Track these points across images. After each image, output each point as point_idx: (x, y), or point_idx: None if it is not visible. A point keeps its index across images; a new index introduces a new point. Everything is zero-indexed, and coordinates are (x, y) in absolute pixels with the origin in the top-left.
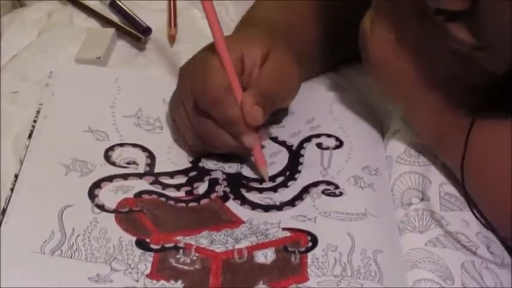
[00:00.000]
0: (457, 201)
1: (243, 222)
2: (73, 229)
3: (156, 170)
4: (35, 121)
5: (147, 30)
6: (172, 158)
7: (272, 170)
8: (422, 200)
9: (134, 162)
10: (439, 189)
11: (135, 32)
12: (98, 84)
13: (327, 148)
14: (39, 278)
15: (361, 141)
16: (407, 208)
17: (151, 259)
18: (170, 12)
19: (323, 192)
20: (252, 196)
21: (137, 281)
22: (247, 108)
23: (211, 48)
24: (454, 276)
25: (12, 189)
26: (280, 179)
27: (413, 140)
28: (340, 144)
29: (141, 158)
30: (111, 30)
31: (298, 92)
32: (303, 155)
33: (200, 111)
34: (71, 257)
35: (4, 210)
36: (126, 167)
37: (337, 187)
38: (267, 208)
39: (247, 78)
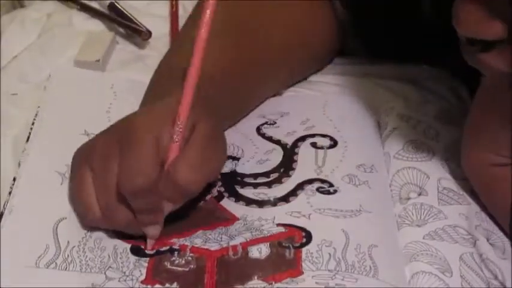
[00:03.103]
0: (455, 195)
1: (238, 219)
2: (68, 242)
3: None
4: (33, 123)
5: (147, 34)
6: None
7: (266, 167)
8: (420, 194)
9: None
10: (437, 184)
11: (137, 27)
12: (93, 89)
13: (321, 147)
14: None
15: (356, 140)
16: (405, 203)
17: (146, 265)
18: (172, 21)
19: (317, 189)
20: (247, 192)
21: None
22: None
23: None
24: (453, 269)
25: (10, 193)
26: (274, 175)
27: (411, 136)
28: (334, 144)
29: None
30: (110, 34)
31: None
32: (297, 153)
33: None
34: (66, 269)
35: (1, 214)
36: None
37: (331, 185)
38: (261, 204)
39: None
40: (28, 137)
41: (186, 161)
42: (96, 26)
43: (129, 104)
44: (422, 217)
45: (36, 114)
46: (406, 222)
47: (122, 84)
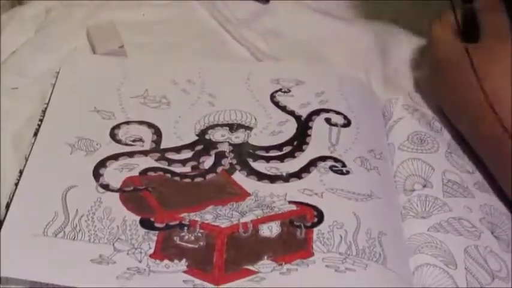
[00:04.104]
0: (460, 188)
1: (249, 194)
2: (76, 210)
3: (163, 145)
4: (45, 109)
5: None
6: (179, 132)
7: (280, 139)
8: (425, 186)
9: (140, 140)
10: (442, 176)
11: None
12: (104, 69)
13: (335, 125)
14: (41, 260)
15: (367, 124)
16: (410, 194)
17: (155, 238)
18: None
19: (330, 168)
20: (259, 166)
21: (140, 262)
22: None
23: None
24: (457, 261)
25: (16, 184)
26: (287, 149)
27: (416, 128)
28: (348, 123)
29: (147, 135)
30: (110, 22)
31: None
32: (311, 127)
33: None
34: (74, 238)
35: (8, 204)
36: (132, 145)
37: (344, 165)
38: (273, 179)
39: None
40: (41, 119)
41: None
42: (96, 19)
43: (140, 81)
44: (427, 209)
45: (50, 97)
46: (411, 213)
47: (132, 63)
